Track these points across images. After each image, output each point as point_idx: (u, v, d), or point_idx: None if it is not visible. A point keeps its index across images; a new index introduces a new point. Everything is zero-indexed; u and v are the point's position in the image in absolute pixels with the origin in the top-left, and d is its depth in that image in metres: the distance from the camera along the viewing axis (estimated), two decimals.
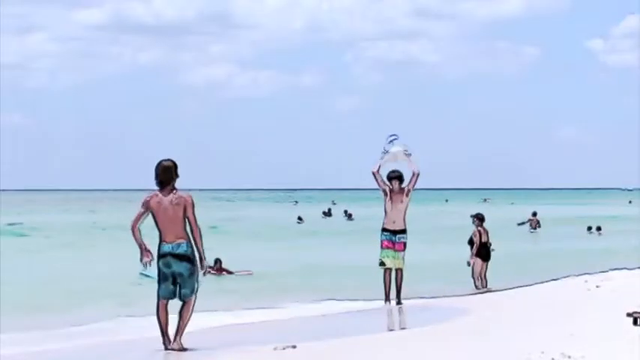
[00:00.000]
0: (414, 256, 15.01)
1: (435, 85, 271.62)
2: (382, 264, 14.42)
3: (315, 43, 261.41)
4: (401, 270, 14.39)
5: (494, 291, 15.73)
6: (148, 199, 10.28)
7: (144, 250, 10.26)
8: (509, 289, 15.49)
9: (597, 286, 13.73)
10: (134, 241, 10.27)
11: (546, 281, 15.91)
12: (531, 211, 43.37)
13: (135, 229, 10.27)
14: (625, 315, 9.84)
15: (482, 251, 16.98)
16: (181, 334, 10.17)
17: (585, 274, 15.71)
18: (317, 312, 13.99)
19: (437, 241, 30.44)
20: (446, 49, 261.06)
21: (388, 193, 14.45)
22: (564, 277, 15.83)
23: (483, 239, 17.12)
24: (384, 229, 14.52)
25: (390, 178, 14.58)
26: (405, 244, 14.48)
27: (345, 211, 59.74)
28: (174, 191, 10.28)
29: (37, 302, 15.70)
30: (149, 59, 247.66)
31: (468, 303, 14.23)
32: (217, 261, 22.00)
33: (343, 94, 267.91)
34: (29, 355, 10.56)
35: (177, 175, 10.32)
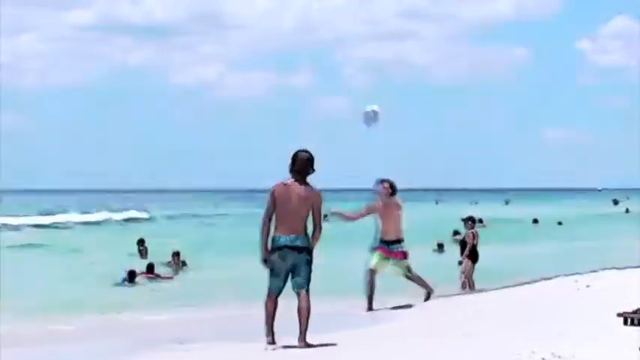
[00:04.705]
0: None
1: (424, 86, 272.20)
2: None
3: (305, 44, 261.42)
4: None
5: (482, 291, 15.72)
6: (275, 187, 9.85)
7: (265, 250, 9.87)
8: (498, 289, 15.48)
9: (587, 286, 13.73)
10: (261, 235, 9.80)
11: (536, 281, 15.89)
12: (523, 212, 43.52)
13: (265, 225, 9.82)
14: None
15: (472, 254, 16.96)
16: (305, 332, 9.83)
17: (575, 273, 15.73)
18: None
19: (427, 242, 30.41)
20: (436, 50, 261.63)
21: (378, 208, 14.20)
22: (555, 277, 15.82)
23: (476, 241, 17.08)
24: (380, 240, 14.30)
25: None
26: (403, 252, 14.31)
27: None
28: (307, 184, 9.88)
29: None
30: (139, 60, 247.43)
31: (457, 303, 14.23)
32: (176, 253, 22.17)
33: (333, 94, 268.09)
34: None
35: (313, 169, 9.91)
